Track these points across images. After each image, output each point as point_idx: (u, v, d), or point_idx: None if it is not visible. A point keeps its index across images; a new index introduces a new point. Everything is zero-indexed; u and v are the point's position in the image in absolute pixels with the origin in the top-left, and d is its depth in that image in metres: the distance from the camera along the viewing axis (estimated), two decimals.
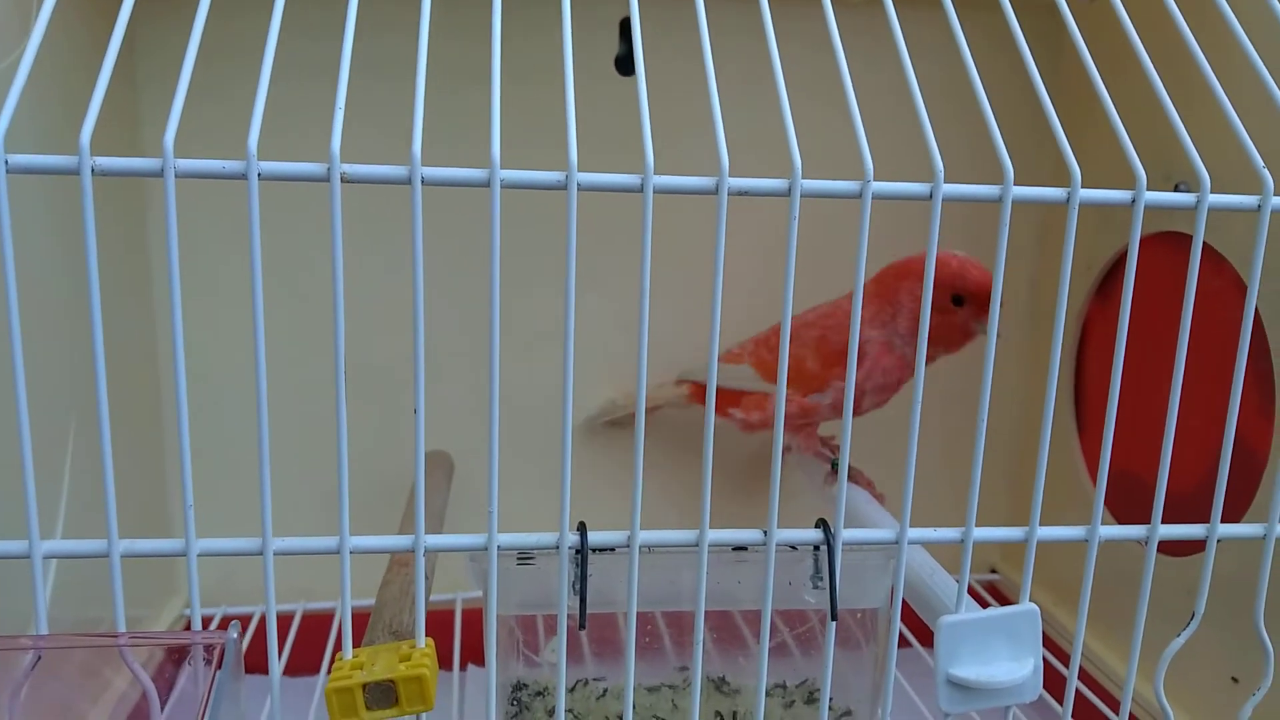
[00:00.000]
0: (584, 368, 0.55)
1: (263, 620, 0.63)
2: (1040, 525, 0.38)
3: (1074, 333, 0.64)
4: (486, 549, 0.35)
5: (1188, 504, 0.51)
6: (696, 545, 0.36)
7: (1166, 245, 0.54)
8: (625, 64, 0.63)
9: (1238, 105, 0.36)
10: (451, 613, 0.67)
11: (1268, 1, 0.40)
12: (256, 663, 0.50)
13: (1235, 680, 0.50)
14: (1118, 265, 0.59)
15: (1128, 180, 0.35)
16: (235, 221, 0.54)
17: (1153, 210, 0.35)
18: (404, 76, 0.37)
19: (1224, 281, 0.50)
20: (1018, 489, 0.73)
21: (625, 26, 0.62)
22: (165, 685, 0.35)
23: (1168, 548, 0.55)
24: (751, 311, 0.57)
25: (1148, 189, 0.35)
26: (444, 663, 0.63)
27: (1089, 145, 0.45)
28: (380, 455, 0.59)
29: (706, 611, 0.35)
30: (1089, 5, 0.52)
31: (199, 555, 0.34)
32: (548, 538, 0.36)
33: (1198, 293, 0.52)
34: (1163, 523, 0.39)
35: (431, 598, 0.67)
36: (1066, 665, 0.64)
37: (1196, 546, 0.40)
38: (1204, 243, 0.53)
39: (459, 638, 0.65)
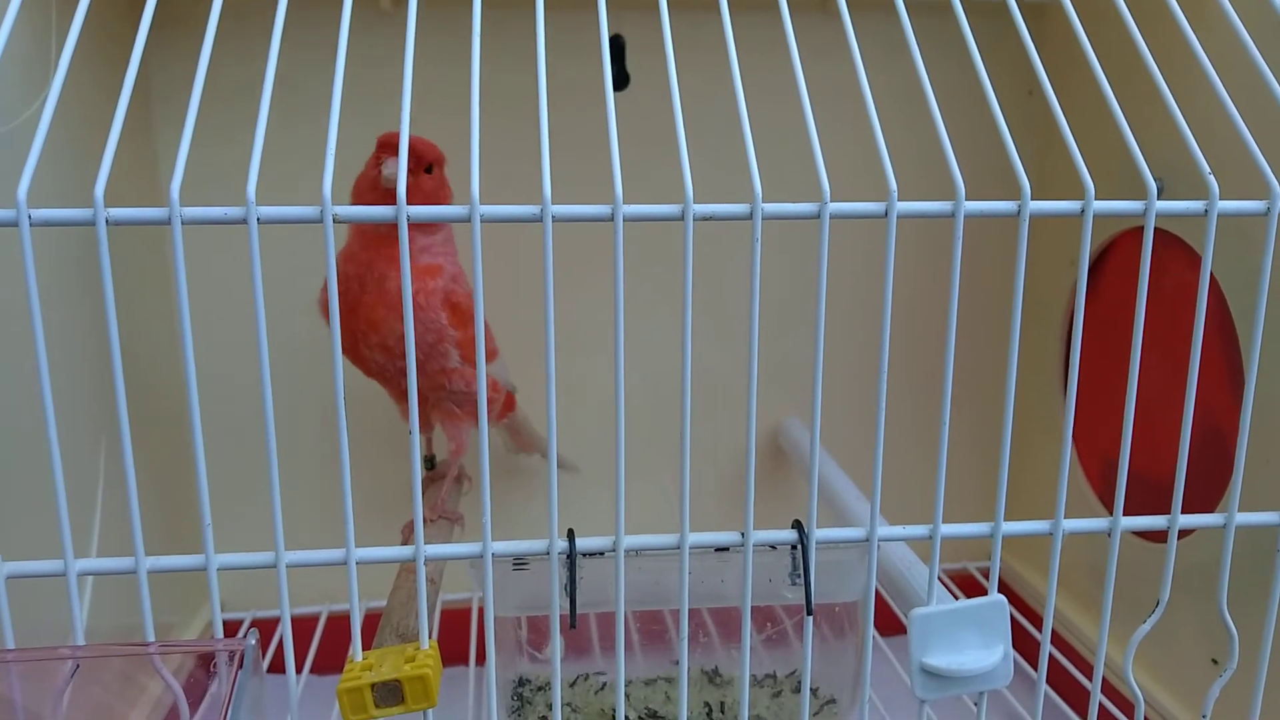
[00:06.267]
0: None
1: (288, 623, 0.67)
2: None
3: (1062, 326, 0.66)
4: (482, 556, 0.38)
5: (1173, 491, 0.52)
6: (678, 548, 0.38)
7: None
8: (616, 80, 0.65)
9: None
10: (468, 611, 0.70)
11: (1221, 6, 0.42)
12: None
13: (1215, 662, 0.51)
14: (1102, 259, 0.61)
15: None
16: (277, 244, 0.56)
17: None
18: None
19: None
20: (1015, 482, 0.75)
21: (615, 43, 0.65)
22: (196, 689, 0.38)
23: (1155, 535, 0.56)
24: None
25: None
26: (460, 659, 0.66)
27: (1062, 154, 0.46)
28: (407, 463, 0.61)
29: (707, 608, 0.38)
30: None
31: (218, 570, 0.37)
32: (538, 544, 0.38)
33: (1176, 288, 0.53)
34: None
35: (449, 597, 0.71)
36: (1067, 654, 0.66)
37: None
38: (1182, 241, 0.55)
39: (474, 636, 0.68)
